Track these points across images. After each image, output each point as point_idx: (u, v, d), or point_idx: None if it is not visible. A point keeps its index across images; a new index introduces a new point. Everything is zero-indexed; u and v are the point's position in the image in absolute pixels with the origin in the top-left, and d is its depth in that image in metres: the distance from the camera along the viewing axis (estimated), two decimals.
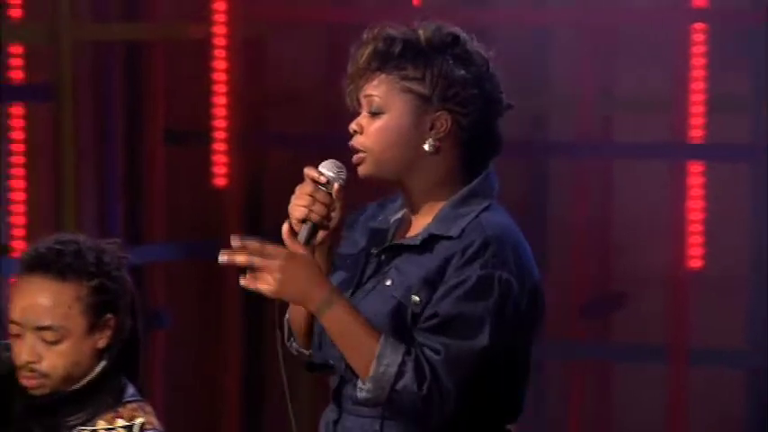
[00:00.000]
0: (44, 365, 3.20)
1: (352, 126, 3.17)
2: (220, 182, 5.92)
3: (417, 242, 3.16)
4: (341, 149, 6.31)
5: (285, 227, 3.17)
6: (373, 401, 3.12)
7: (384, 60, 3.14)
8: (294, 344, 3.31)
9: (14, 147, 5.49)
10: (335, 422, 3.23)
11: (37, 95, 5.52)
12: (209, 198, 5.97)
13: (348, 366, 3.15)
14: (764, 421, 5.76)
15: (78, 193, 5.55)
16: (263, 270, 3.10)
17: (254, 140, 6.07)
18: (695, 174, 5.58)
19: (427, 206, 3.22)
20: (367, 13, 6.06)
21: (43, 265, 3.21)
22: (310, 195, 3.15)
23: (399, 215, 3.26)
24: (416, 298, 3.14)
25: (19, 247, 5.43)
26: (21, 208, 5.49)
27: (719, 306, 5.81)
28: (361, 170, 3.17)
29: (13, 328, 3.21)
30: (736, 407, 5.84)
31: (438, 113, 3.12)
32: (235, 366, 5.97)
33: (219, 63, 5.86)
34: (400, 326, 3.12)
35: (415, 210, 3.22)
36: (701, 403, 5.71)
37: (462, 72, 3.14)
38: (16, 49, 5.46)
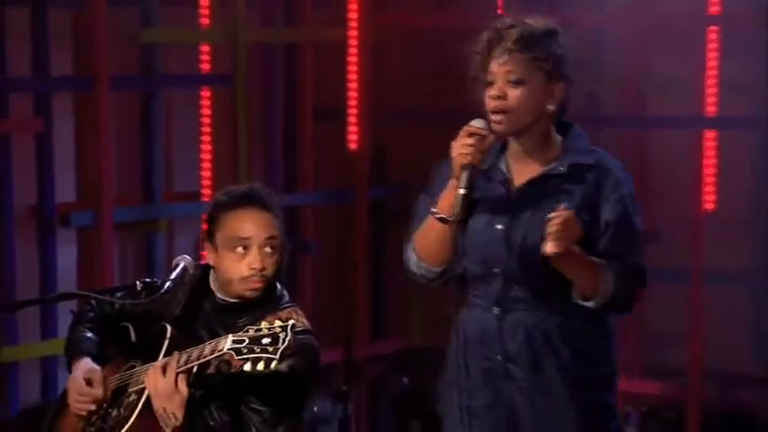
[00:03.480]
0: (269, 271, 3.31)
1: (495, 92, 3.21)
2: (352, 146, 5.95)
3: (564, 171, 3.23)
4: (442, 123, 6.50)
5: (452, 182, 3.21)
6: (594, 309, 3.17)
7: (522, 44, 3.22)
8: (421, 267, 3.33)
9: (203, 120, 5.53)
10: (499, 318, 3.25)
11: (220, 82, 5.54)
12: (344, 158, 5.98)
13: (516, 274, 3.15)
14: (765, 330, 5.71)
15: (249, 156, 5.58)
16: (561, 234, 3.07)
17: (377, 116, 6.02)
18: (710, 140, 5.46)
19: (536, 154, 3.26)
20: (466, 19, 5.75)
21: (257, 200, 3.34)
22: (471, 145, 3.20)
23: (501, 165, 3.27)
24: (583, 214, 3.18)
25: (207, 193, 5.45)
26: (208, 165, 5.51)
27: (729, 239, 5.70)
28: (501, 128, 3.22)
29: (238, 247, 3.27)
30: (743, 317, 5.76)
31: (557, 85, 3.23)
32: (363, 282, 6.02)
33: (353, 58, 5.86)
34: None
35: (526, 157, 3.26)
36: (715, 315, 5.60)
37: (566, 53, 3.25)
38: (205, 47, 5.52)
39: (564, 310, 3.23)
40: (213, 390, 3.25)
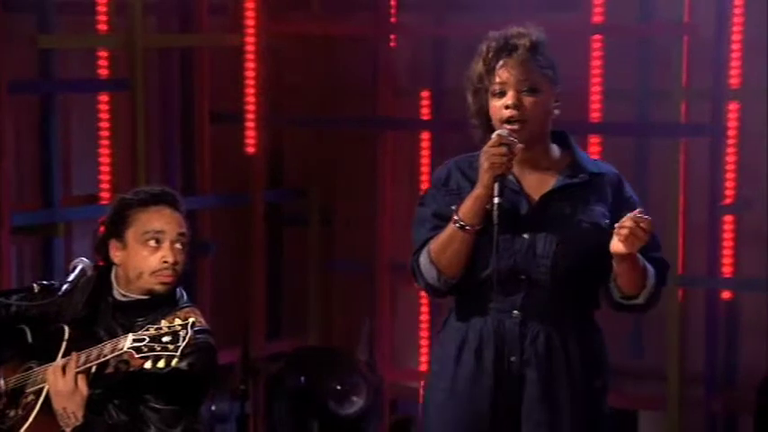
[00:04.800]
0: (180, 266, 3.32)
1: (512, 101, 3.17)
2: (250, 150, 5.92)
3: (586, 179, 3.24)
4: (334, 129, 6.50)
5: (476, 191, 3.13)
6: (640, 307, 3.21)
7: (534, 52, 3.21)
8: (441, 280, 3.22)
9: (102, 124, 5.48)
10: (521, 323, 3.21)
11: (118, 87, 5.50)
12: (241, 162, 5.94)
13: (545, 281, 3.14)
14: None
15: (147, 159, 5.54)
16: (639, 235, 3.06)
17: (273, 120, 6.00)
18: (594, 144, 5.41)
19: (542, 162, 3.25)
20: (360, 28, 6.04)
21: (170, 199, 3.37)
22: (504, 154, 3.13)
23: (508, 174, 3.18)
24: (607, 221, 3.20)
25: (105, 197, 5.43)
26: (106, 169, 5.48)
27: None
28: (519, 137, 3.18)
29: (150, 240, 3.30)
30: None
31: (558, 91, 3.24)
32: (260, 283, 5.99)
33: (249, 64, 5.85)
34: (603, 244, 3.15)
35: (533, 165, 3.24)
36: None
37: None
38: (103, 53, 5.49)
39: (580, 318, 3.28)
40: (113, 389, 3.25)
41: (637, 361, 5.70)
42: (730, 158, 5.51)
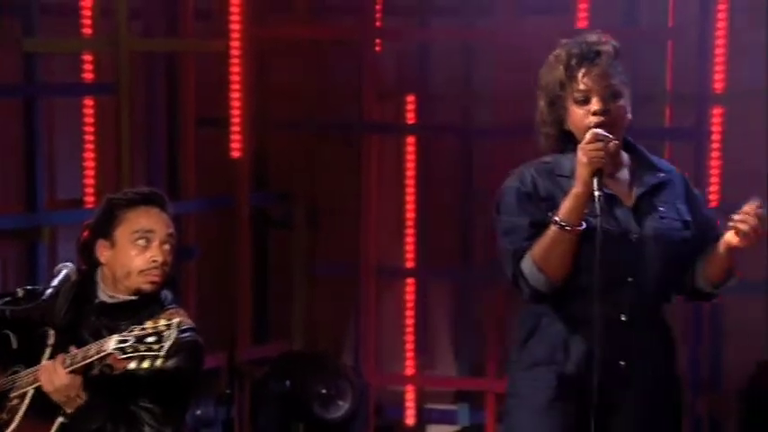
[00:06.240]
0: (168, 266, 3.35)
1: (601, 107, 3.20)
2: (235, 154, 5.92)
3: (665, 178, 3.32)
4: (320, 133, 6.47)
5: (576, 189, 3.14)
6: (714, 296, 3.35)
7: (616, 58, 3.27)
8: (548, 284, 3.20)
9: (87, 128, 5.48)
10: (628, 326, 3.23)
11: (103, 91, 5.50)
12: (227, 166, 5.94)
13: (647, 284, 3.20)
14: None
15: (132, 163, 5.52)
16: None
17: (259, 124, 6.00)
18: None
19: (620, 163, 3.30)
20: (346, 31, 6.05)
21: (159, 200, 3.40)
22: (601, 149, 3.15)
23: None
24: (689, 218, 3.31)
25: (90, 201, 5.41)
26: (91, 173, 5.46)
27: None
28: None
29: (140, 239, 3.32)
30: None
31: (629, 96, 3.29)
32: (246, 287, 5.99)
33: (235, 68, 5.84)
34: (688, 240, 3.29)
35: (614, 167, 3.26)
36: None
37: None
38: (87, 56, 5.48)
39: (663, 315, 3.37)
40: (102, 390, 3.25)
41: None
42: (714, 162, 5.53)
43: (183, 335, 3.18)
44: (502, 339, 5.83)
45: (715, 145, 5.54)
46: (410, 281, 6.04)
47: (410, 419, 6.10)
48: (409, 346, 6.04)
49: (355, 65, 5.98)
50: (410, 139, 5.98)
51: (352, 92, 5.98)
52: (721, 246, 3.25)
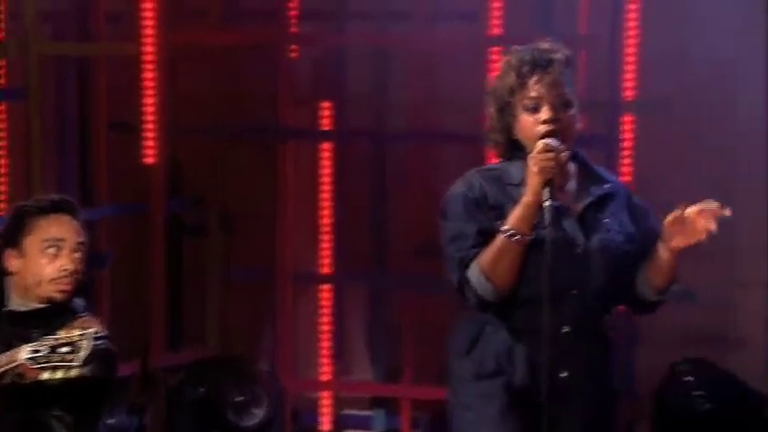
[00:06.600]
0: (79, 274, 3.34)
1: (551, 116, 3.17)
2: (149, 160, 5.85)
3: (611, 190, 3.28)
4: (237, 138, 6.42)
5: (526, 199, 3.11)
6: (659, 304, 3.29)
7: (568, 66, 3.25)
8: (496, 293, 3.17)
9: None
10: (570, 338, 3.20)
11: (13, 96, 5.48)
12: (140, 172, 5.87)
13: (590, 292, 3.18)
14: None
15: (43, 170, 5.47)
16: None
17: (172, 129, 5.92)
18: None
19: (567, 173, 3.26)
20: (259, 37, 6.00)
21: (69, 207, 3.37)
22: (552, 159, 3.13)
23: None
24: (631, 230, 3.27)
25: (1, 207, 5.38)
26: (2, 179, 5.43)
27: None
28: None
29: (50, 248, 3.29)
30: None
31: (579, 105, 3.27)
32: (160, 294, 5.94)
33: (147, 73, 5.78)
34: (632, 252, 3.25)
35: (565, 174, 3.23)
36: None
37: None
38: None
39: (604, 327, 3.33)
40: (13, 399, 3.23)
41: None
42: (626, 169, 5.59)
43: (97, 343, 3.16)
44: (418, 344, 5.85)
45: (626, 152, 5.60)
46: (326, 286, 6.02)
47: (326, 425, 6.09)
48: (325, 351, 6.03)
49: (271, 70, 5.96)
50: (326, 145, 5.98)
51: (268, 97, 5.96)
52: (666, 250, 3.23)
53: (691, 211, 3.17)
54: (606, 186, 3.31)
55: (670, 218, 3.20)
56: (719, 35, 5.60)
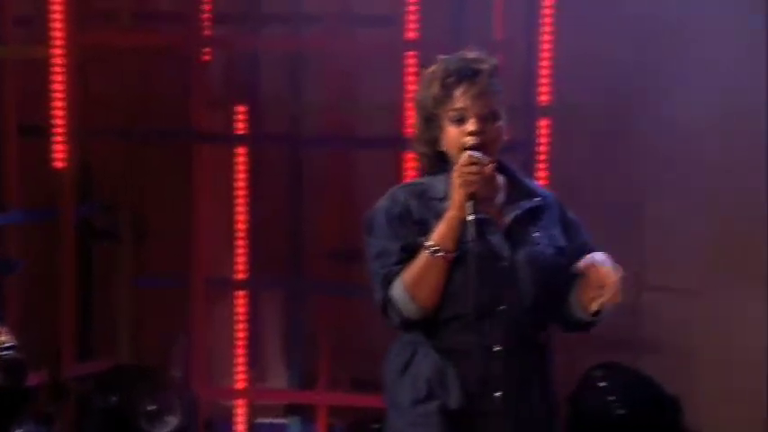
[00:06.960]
0: None
1: (477, 128, 3.10)
2: (58, 164, 5.79)
3: (541, 203, 3.21)
4: (145, 143, 6.39)
5: (450, 213, 3.05)
6: (594, 325, 3.20)
7: (494, 77, 3.17)
8: (419, 312, 3.10)
9: None
10: (501, 357, 3.12)
11: None
12: (49, 176, 5.78)
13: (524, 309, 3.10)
14: None
15: None
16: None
17: (82, 133, 5.85)
18: (410, 160, 5.41)
19: (494, 185, 3.20)
20: (170, 39, 5.95)
21: None
22: (477, 173, 3.07)
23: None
24: (562, 243, 3.20)
25: None
26: None
27: None
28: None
29: None
30: None
31: (506, 116, 3.19)
32: (70, 301, 5.85)
33: (57, 76, 5.71)
34: (564, 267, 3.17)
35: (492, 187, 3.19)
36: None
37: None
38: None
39: (541, 342, 3.25)
40: None
41: None
42: (542, 174, 5.62)
43: (4, 353, 3.14)
44: (334, 350, 5.82)
45: (541, 157, 5.63)
46: (241, 293, 5.97)
47: None
48: (240, 359, 5.97)
49: (184, 72, 5.90)
50: (240, 149, 5.92)
51: (181, 100, 5.90)
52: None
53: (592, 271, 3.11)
54: (536, 200, 3.25)
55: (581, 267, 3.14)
56: (636, 40, 5.68)
